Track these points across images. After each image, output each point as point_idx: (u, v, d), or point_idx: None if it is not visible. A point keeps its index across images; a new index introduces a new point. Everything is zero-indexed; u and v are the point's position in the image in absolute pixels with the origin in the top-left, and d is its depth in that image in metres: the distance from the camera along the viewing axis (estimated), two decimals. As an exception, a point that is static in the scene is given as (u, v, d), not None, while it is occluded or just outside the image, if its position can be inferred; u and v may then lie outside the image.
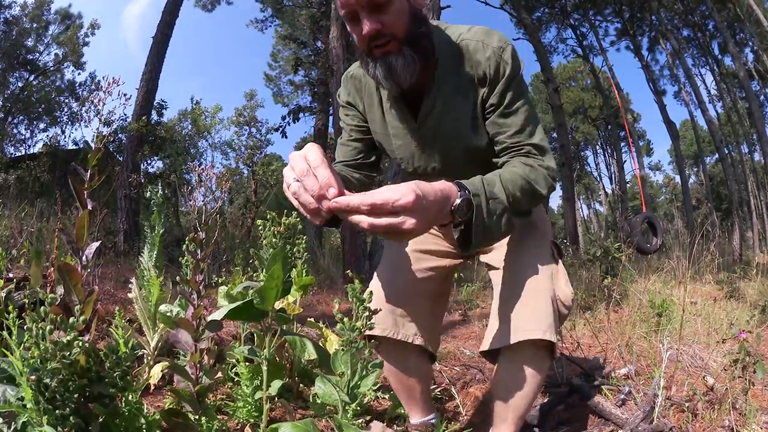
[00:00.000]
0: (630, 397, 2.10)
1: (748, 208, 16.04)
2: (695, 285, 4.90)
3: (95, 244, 1.12)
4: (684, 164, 19.05)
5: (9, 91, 21.05)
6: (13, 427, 0.94)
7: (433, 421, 1.61)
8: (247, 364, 1.58)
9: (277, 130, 12.20)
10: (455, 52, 1.39)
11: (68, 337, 0.86)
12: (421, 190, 0.98)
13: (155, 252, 2.31)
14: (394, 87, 1.33)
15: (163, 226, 2.45)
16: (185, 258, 1.23)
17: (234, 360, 1.76)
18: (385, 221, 0.95)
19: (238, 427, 1.69)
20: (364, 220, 0.95)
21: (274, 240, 1.27)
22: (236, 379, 1.70)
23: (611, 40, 19.17)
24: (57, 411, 0.90)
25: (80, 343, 0.89)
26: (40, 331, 0.86)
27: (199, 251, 1.16)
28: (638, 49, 18.69)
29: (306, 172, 1.01)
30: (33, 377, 0.86)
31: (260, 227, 1.31)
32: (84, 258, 1.09)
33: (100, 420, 1.03)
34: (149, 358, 2.17)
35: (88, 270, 1.09)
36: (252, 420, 1.60)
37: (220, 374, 2.01)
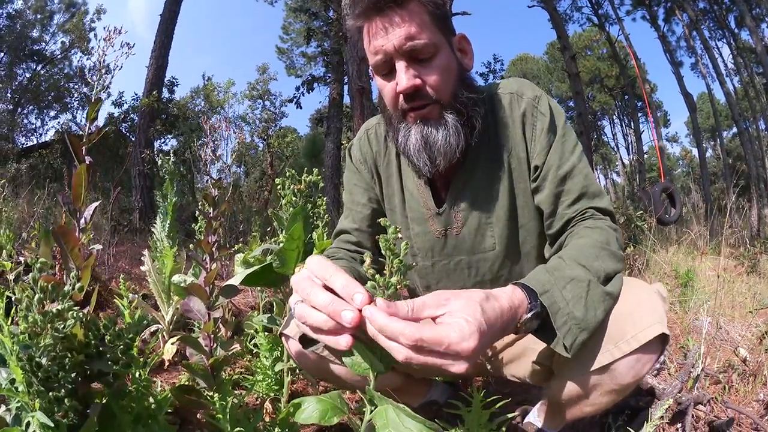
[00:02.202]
0: (665, 366, 2.01)
1: (765, 185, 15.72)
2: (716, 258, 4.77)
3: (94, 204, 1.02)
4: (701, 137, 18.67)
5: (17, 83, 21.08)
6: (13, 414, 0.86)
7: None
8: (266, 334, 1.50)
9: (291, 101, 12.02)
10: (486, 112, 1.14)
11: (59, 306, 0.76)
12: (486, 322, 0.72)
13: (168, 222, 2.24)
14: (428, 165, 1.07)
15: (178, 199, 2.38)
16: (198, 219, 1.14)
17: (252, 331, 1.69)
18: (429, 360, 0.69)
19: (258, 402, 1.62)
20: (400, 351, 0.68)
21: (294, 198, 1.19)
22: (255, 351, 1.63)
23: (627, 10, 18.63)
24: (51, 393, 0.81)
25: (74, 314, 0.79)
26: (28, 302, 0.75)
27: (211, 210, 1.06)
28: (654, 19, 18.15)
29: (310, 287, 0.76)
30: (25, 355, 0.75)
31: (279, 186, 1.22)
32: (83, 220, 1.00)
33: (104, 401, 0.95)
34: (164, 333, 2.11)
35: (88, 232, 1.00)
36: (272, 394, 1.53)
37: (238, 346, 1.94)
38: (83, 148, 1.11)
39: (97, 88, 1.28)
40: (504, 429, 1.08)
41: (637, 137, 17.56)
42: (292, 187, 1.19)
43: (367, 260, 0.77)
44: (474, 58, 1.15)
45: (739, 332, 2.48)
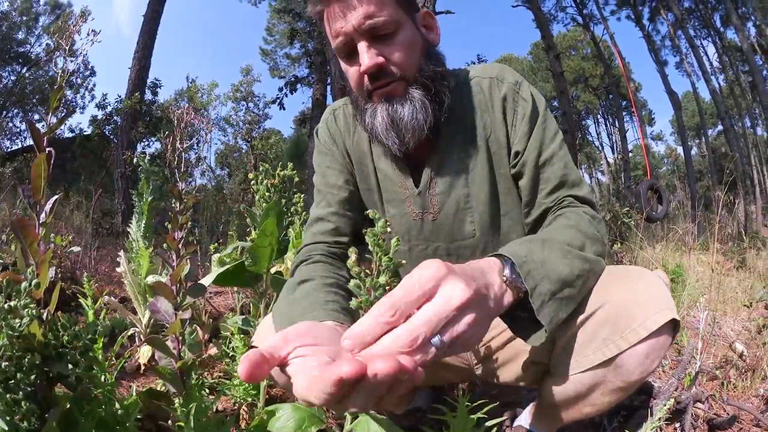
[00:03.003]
0: (659, 364, 1.97)
1: (750, 182, 15.93)
2: (703, 254, 4.77)
3: (54, 197, 0.95)
4: (686, 135, 18.86)
5: (2, 85, 20.87)
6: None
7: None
8: (242, 336, 1.43)
9: (274, 102, 11.95)
10: (463, 95, 1.11)
11: (12, 303, 0.70)
12: (454, 268, 0.64)
13: (143, 222, 2.16)
14: (396, 143, 1.02)
15: (154, 198, 2.31)
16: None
17: (229, 333, 1.61)
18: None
19: (235, 408, 1.55)
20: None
21: (267, 194, 1.12)
22: (232, 354, 1.55)
23: (611, 9, 18.80)
24: (9, 395, 0.74)
25: (30, 311, 0.72)
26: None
27: (178, 204, 0.99)
28: (639, 19, 18.31)
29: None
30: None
31: (252, 180, 1.16)
32: (43, 214, 0.92)
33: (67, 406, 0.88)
34: (141, 336, 2.03)
35: (48, 226, 0.92)
36: (249, 399, 1.45)
37: (215, 350, 1.87)
38: (44, 138, 1.03)
39: (59, 74, 1.20)
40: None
41: (621, 136, 17.68)
42: (265, 182, 1.12)
43: (353, 257, 0.71)
44: (440, 34, 1.10)
45: (732, 327, 2.46)
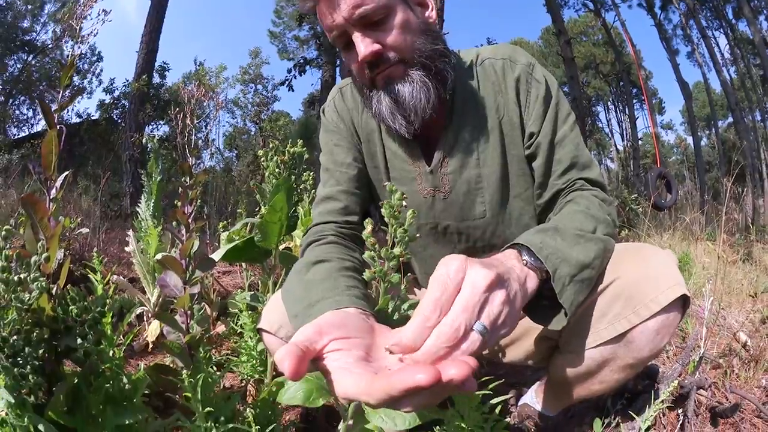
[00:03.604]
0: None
1: (759, 176, 15.77)
2: (712, 244, 4.75)
3: (65, 173, 0.95)
4: (696, 126, 18.68)
5: (8, 74, 20.84)
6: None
7: None
8: (250, 313, 1.44)
9: (282, 84, 11.89)
10: (476, 76, 1.11)
11: (21, 275, 0.71)
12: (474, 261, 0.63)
13: (153, 201, 2.17)
14: (403, 125, 1.02)
15: (163, 177, 2.31)
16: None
17: (237, 310, 1.63)
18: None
19: (242, 385, 1.57)
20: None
21: (276, 170, 1.12)
22: (240, 331, 1.57)
23: (623, -4, 18.55)
24: (16, 369, 0.75)
25: (39, 284, 0.73)
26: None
27: (187, 179, 0.99)
28: (651, 7, 18.05)
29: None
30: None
31: (262, 157, 1.16)
32: (53, 189, 0.93)
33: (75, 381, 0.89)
34: (150, 315, 2.05)
35: (58, 202, 0.93)
36: (256, 375, 1.47)
37: (223, 328, 1.89)
38: (55, 115, 1.04)
39: (70, 53, 1.20)
40: (497, 411, 1.02)
41: (631, 123, 17.54)
42: (275, 158, 1.12)
43: (368, 227, 0.71)
44: (435, 10, 1.09)
45: (737, 318, 2.45)
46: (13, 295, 0.78)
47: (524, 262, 0.75)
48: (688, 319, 2.20)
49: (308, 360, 0.55)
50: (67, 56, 1.14)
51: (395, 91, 1.00)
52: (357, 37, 0.97)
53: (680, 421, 1.47)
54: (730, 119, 19.94)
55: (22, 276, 0.79)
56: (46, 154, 0.95)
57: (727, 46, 18.04)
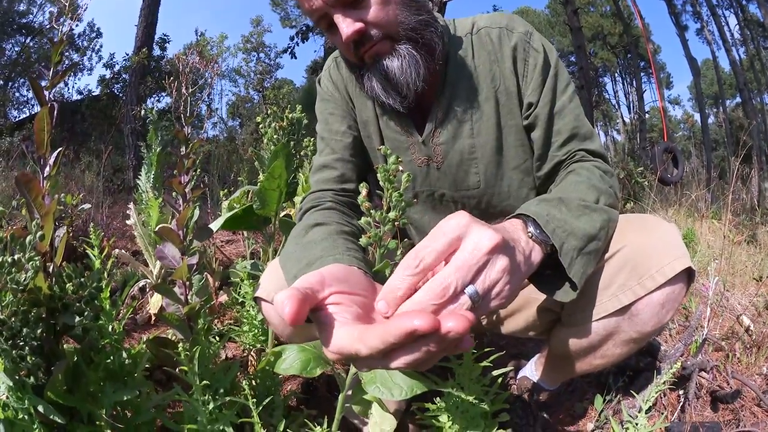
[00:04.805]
0: (666, 326, 1.95)
1: (766, 159, 15.66)
2: (715, 223, 4.71)
3: (57, 150, 0.93)
4: (704, 103, 18.47)
5: (6, 57, 20.65)
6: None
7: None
8: (251, 282, 1.42)
9: (285, 51, 11.72)
10: (470, 45, 1.08)
11: (16, 256, 0.69)
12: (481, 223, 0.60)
13: (153, 172, 2.15)
14: (398, 99, 1.01)
15: (163, 149, 2.29)
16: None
17: (238, 280, 1.62)
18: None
19: (244, 354, 1.57)
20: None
21: (275, 136, 1.10)
22: (242, 300, 1.56)
23: (632, -33, 18.20)
24: (15, 351, 0.74)
25: (34, 264, 0.71)
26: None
27: (183, 147, 0.97)
28: (660, -19, 17.73)
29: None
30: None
31: (260, 123, 1.13)
32: (47, 167, 0.91)
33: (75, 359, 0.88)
34: (152, 288, 2.05)
35: (53, 179, 0.91)
36: (258, 345, 1.46)
37: (225, 297, 1.88)
38: (45, 92, 1.01)
39: (62, 32, 1.16)
40: (498, 383, 1.01)
41: (639, 96, 17.33)
42: (273, 124, 1.09)
43: (363, 191, 0.69)
44: None
45: (740, 300, 2.42)
46: (8, 277, 0.76)
47: (530, 234, 0.73)
48: (691, 297, 2.18)
49: (309, 306, 0.52)
50: (63, 33, 1.11)
51: (384, 67, 0.98)
52: (338, 18, 0.95)
53: (681, 403, 1.46)
54: (738, 99, 19.69)
55: (16, 257, 0.78)
56: (38, 132, 0.92)
57: (737, 27, 17.73)
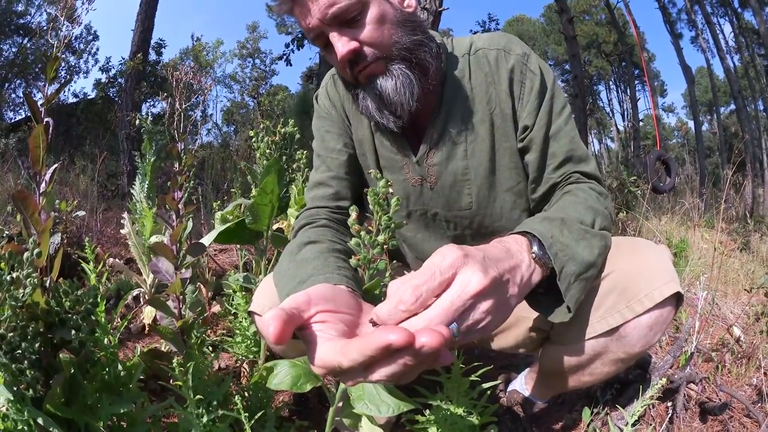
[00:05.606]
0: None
1: (760, 165, 15.74)
2: (707, 232, 4.74)
3: (53, 167, 0.94)
4: (698, 111, 18.60)
5: (3, 58, 20.58)
6: None
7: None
8: (243, 294, 1.43)
9: (281, 58, 11.73)
10: (467, 66, 1.09)
11: (15, 274, 0.70)
12: (485, 254, 0.63)
13: (147, 182, 2.16)
14: (392, 119, 1.02)
15: (158, 159, 2.30)
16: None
17: (231, 291, 1.62)
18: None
19: (237, 365, 1.57)
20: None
21: (267, 151, 1.11)
22: (235, 311, 1.57)
23: (628, -24, 18.33)
24: (14, 365, 0.75)
25: (32, 280, 0.73)
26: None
27: (177, 164, 0.98)
28: (656, -10, 17.86)
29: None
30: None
31: (253, 137, 1.15)
32: (42, 183, 0.92)
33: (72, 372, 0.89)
34: (147, 297, 2.05)
35: (49, 196, 0.92)
36: (251, 356, 1.47)
37: (218, 307, 1.89)
38: (41, 109, 1.02)
39: (57, 45, 1.18)
40: (487, 395, 1.02)
41: (633, 104, 17.47)
42: (266, 139, 1.11)
43: (353, 214, 0.71)
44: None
45: (732, 310, 2.44)
46: (7, 294, 0.77)
47: (533, 255, 0.74)
48: (683, 308, 2.20)
49: (294, 326, 0.54)
50: (62, 38, 1.12)
51: (378, 87, 0.98)
52: (334, 37, 0.95)
53: (669, 415, 1.47)
54: (732, 106, 19.85)
55: (15, 275, 0.79)
56: (34, 149, 0.93)
57: (732, 34, 17.88)
